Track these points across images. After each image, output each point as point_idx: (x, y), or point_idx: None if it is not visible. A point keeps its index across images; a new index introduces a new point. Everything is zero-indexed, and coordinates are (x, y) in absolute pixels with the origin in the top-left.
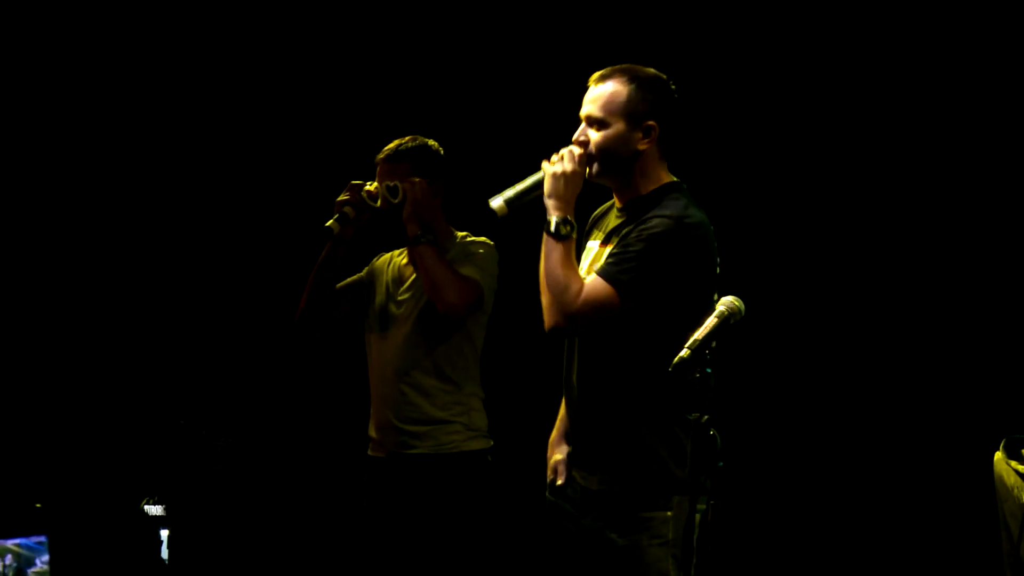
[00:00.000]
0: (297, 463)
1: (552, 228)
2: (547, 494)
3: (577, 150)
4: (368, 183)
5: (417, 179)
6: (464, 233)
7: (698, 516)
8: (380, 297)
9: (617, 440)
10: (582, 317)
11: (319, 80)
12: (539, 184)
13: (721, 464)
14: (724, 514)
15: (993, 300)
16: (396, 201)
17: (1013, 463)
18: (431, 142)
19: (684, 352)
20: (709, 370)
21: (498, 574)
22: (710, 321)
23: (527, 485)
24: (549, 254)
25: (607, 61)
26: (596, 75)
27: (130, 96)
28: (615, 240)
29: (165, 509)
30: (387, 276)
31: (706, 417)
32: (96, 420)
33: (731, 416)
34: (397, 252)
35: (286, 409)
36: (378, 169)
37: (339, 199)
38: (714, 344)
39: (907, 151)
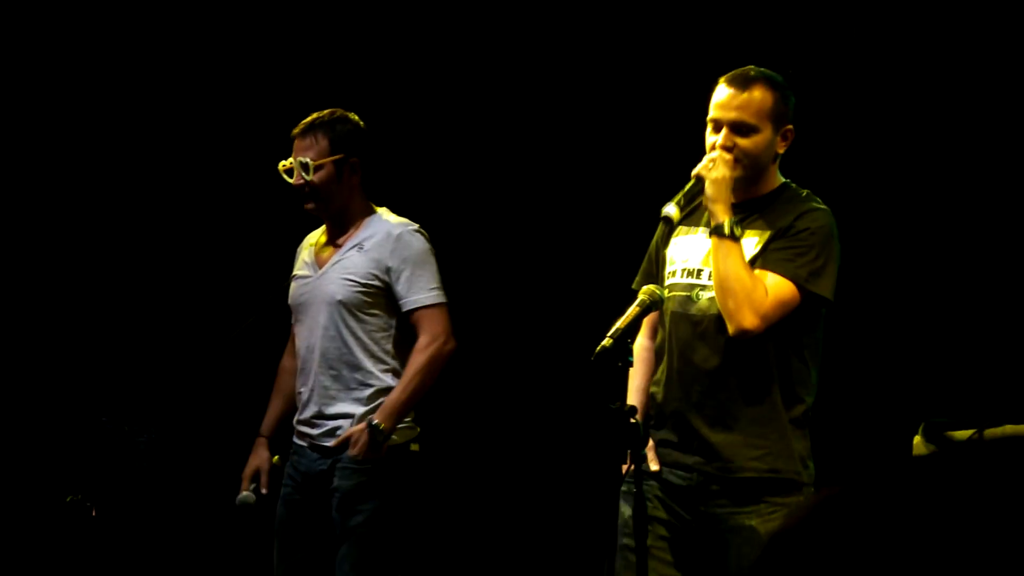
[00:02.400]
0: (221, 458)
1: (727, 231)
2: (640, 500)
3: (727, 155)
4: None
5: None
6: (384, 208)
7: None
8: (298, 284)
9: (763, 428)
10: (772, 316)
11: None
12: (697, 188)
13: (643, 453)
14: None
15: (912, 283)
16: (310, 178)
17: (933, 447)
18: (351, 115)
19: (606, 341)
20: (631, 359)
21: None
22: (631, 310)
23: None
24: (726, 256)
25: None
26: (733, 79)
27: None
28: (751, 234)
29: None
30: (306, 262)
31: (628, 406)
32: (17, 418)
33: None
34: (314, 234)
35: (210, 404)
36: (296, 143)
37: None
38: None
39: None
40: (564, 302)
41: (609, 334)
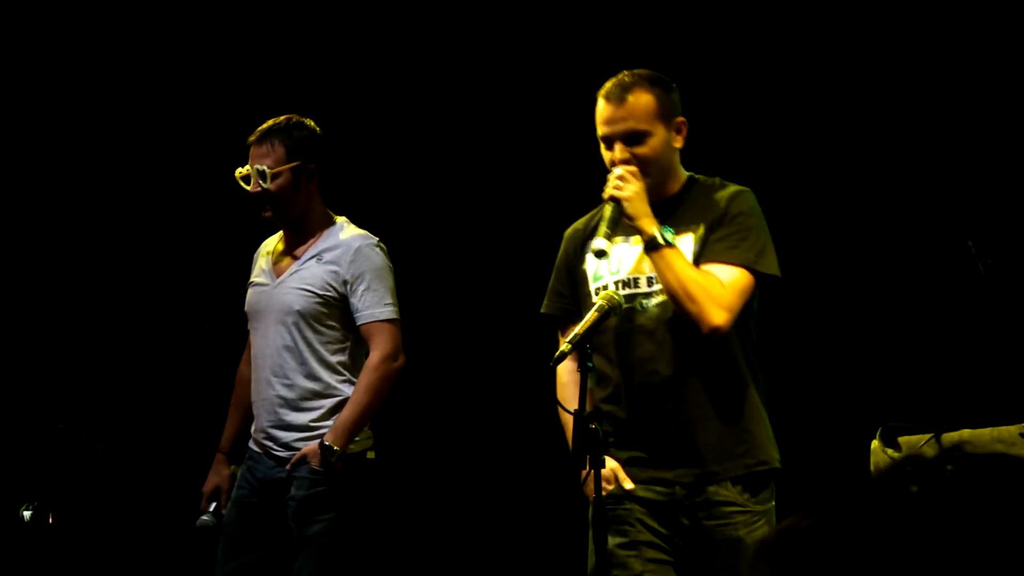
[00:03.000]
0: (177, 464)
1: (662, 240)
2: (599, 504)
3: (631, 167)
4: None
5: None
6: (343, 219)
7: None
8: (254, 292)
9: (744, 420)
10: (736, 306)
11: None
12: (616, 212)
13: (604, 457)
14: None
15: (869, 288)
16: (268, 186)
17: (890, 451)
18: (307, 121)
19: (564, 346)
20: (590, 364)
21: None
22: (590, 315)
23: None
24: (671, 264)
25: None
26: (610, 93)
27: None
28: (683, 233)
29: (44, 513)
30: (263, 269)
31: (588, 411)
32: None
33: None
34: (271, 240)
35: (167, 410)
36: (252, 150)
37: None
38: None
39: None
40: (521, 310)
41: (567, 339)
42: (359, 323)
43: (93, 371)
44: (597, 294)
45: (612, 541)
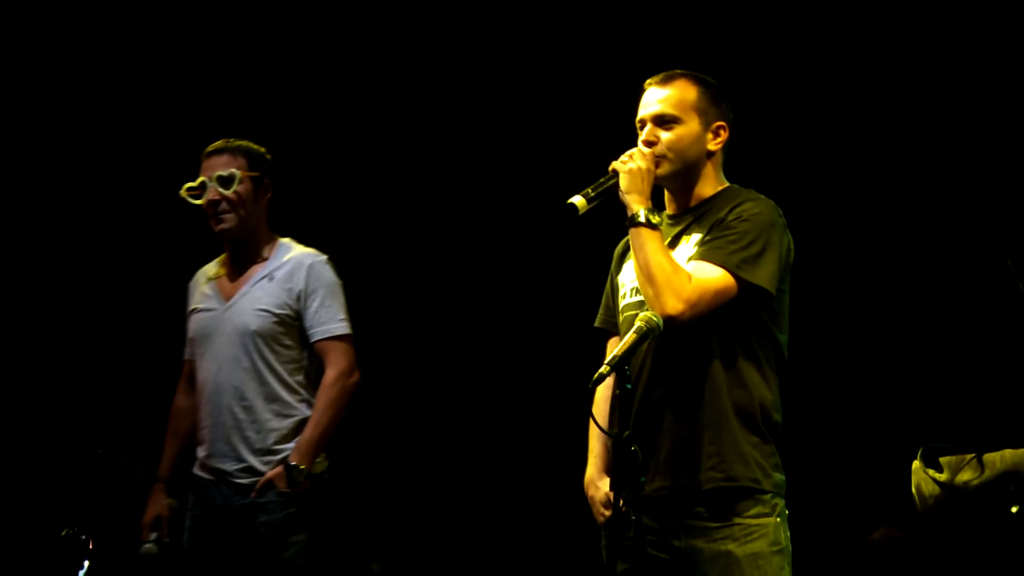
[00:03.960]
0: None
1: (642, 218)
2: (639, 528)
3: (646, 149)
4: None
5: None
6: (288, 239)
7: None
8: (201, 317)
9: (715, 435)
10: (698, 301)
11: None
12: (612, 182)
13: (643, 480)
14: (646, 530)
15: (912, 309)
16: (232, 191)
17: (931, 472)
18: (260, 147)
19: (603, 368)
20: (629, 386)
21: None
22: (628, 337)
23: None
24: (643, 244)
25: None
26: (655, 79)
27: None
28: (683, 241)
29: (86, 538)
30: (206, 294)
31: (627, 433)
32: (13, 450)
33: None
34: (210, 268)
35: None
36: (207, 161)
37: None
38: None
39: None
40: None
41: (607, 361)
42: (313, 339)
43: (133, 396)
44: (625, 298)
45: (620, 567)
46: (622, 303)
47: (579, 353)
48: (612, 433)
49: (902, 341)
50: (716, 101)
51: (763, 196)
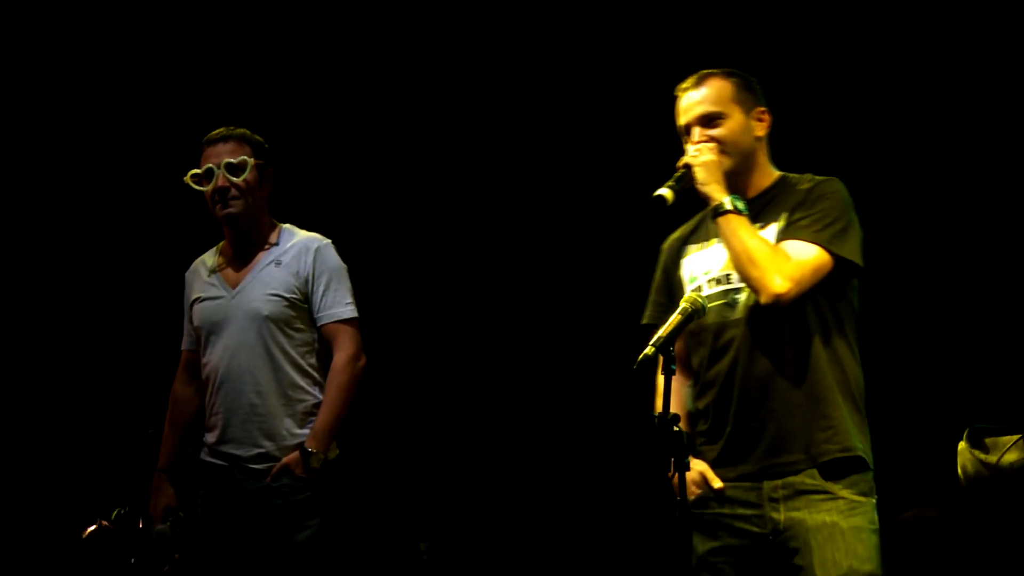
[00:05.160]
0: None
1: (728, 206)
2: (685, 508)
3: (708, 144)
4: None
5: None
6: (289, 225)
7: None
8: (208, 305)
9: (826, 410)
10: (802, 279)
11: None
12: (687, 176)
13: (687, 461)
14: (691, 513)
15: (957, 288)
16: (242, 178)
17: (977, 452)
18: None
19: (648, 349)
20: (674, 367)
21: None
22: (673, 318)
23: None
24: (736, 230)
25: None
26: (686, 84)
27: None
28: (769, 224)
29: (136, 518)
30: (210, 283)
31: (672, 414)
32: (65, 431)
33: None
34: (207, 257)
35: None
36: (213, 148)
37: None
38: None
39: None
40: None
41: (651, 342)
42: (321, 323)
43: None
44: (702, 290)
45: (703, 547)
46: (697, 295)
47: (592, 335)
48: (656, 415)
49: (951, 321)
50: (750, 89)
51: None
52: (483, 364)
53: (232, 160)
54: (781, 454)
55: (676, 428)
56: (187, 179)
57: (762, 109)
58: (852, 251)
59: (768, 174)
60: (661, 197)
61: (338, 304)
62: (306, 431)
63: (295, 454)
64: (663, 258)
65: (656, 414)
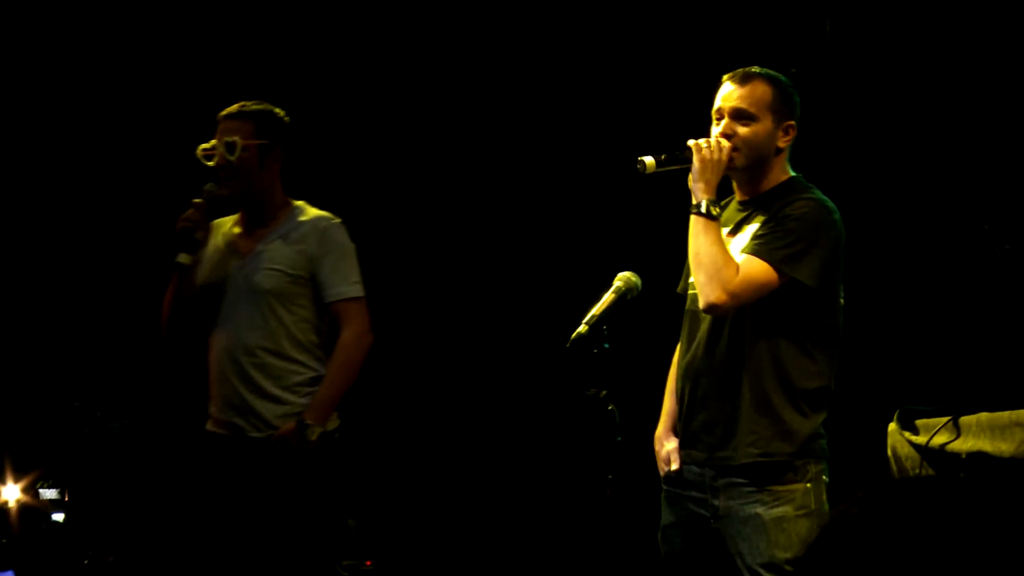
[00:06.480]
0: (191, 443)
1: (704, 209)
2: (663, 485)
3: (725, 143)
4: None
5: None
6: (302, 202)
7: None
8: (217, 272)
9: (756, 414)
10: (742, 294)
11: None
12: (684, 158)
13: (619, 439)
14: (623, 489)
15: (887, 272)
16: (233, 157)
17: (907, 434)
18: (278, 110)
19: (582, 328)
20: (607, 345)
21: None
22: (607, 296)
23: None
24: (700, 234)
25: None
26: (735, 75)
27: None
28: (744, 228)
29: (60, 492)
30: (220, 248)
31: (604, 392)
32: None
33: (629, 391)
34: (224, 222)
35: (182, 389)
36: (220, 125)
37: (181, 226)
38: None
39: None
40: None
41: (584, 320)
42: (328, 300)
43: (109, 350)
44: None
45: (664, 519)
46: (691, 279)
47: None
48: (590, 393)
49: (880, 304)
50: (789, 100)
51: (818, 194)
52: (474, 349)
53: (228, 139)
54: (722, 448)
55: (609, 407)
56: (198, 152)
57: (791, 123)
58: (805, 273)
59: (777, 175)
60: (641, 162)
61: (344, 283)
62: (304, 401)
63: (291, 424)
64: None
65: (591, 393)
